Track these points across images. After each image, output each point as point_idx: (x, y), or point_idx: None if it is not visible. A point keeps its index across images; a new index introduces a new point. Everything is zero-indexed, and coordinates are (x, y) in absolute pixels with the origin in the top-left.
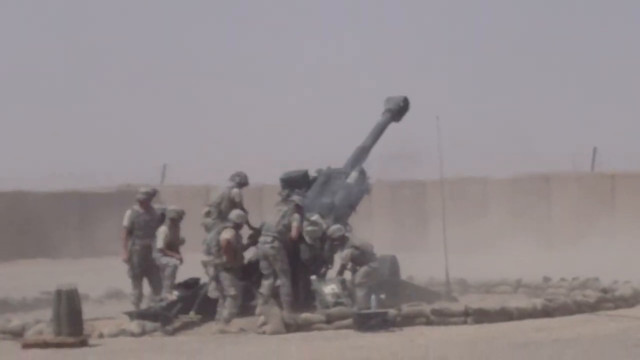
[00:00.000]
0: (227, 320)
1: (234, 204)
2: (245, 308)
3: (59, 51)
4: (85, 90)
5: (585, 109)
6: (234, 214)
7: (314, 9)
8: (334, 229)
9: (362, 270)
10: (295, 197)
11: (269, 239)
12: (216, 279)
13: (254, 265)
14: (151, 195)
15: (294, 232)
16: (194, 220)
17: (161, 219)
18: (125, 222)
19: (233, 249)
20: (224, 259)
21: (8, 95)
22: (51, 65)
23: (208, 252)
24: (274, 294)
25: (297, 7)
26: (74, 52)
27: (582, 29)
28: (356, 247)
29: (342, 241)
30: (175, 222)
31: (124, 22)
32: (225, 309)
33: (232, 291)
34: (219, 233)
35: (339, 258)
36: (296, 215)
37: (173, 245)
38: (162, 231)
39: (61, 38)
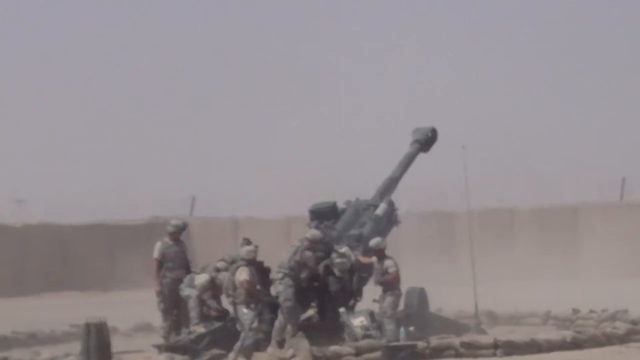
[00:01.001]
0: (240, 352)
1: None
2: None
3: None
4: (114, 123)
5: (613, 138)
6: (244, 250)
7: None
8: (378, 240)
9: (389, 300)
10: (309, 233)
11: (280, 275)
12: (236, 316)
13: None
14: (182, 228)
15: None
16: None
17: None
18: (156, 254)
19: (253, 287)
20: (242, 297)
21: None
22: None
23: (227, 294)
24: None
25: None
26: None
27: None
28: (396, 264)
29: (383, 254)
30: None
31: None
32: (240, 342)
33: (249, 326)
34: (232, 274)
35: (367, 290)
36: (308, 253)
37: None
38: (204, 279)
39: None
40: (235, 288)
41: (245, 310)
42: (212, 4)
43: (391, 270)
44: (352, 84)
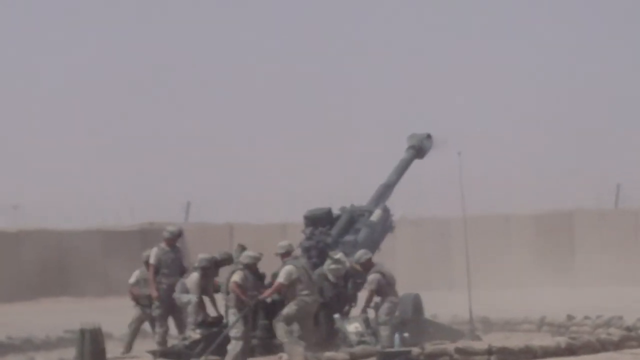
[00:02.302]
0: None
1: None
2: (267, 346)
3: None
4: (107, 127)
5: (608, 145)
6: (244, 255)
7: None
8: (361, 252)
9: (385, 307)
10: (284, 244)
11: None
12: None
13: (277, 304)
14: (177, 235)
15: (266, 292)
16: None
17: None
18: (152, 259)
19: (242, 291)
20: (232, 300)
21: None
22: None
23: (225, 293)
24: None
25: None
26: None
27: (605, 62)
28: (383, 274)
29: (368, 267)
30: (206, 270)
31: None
32: (229, 352)
33: (234, 332)
34: (229, 278)
35: (362, 296)
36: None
37: (206, 293)
38: (194, 279)
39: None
40: (228, 291)
41: (233, 316)
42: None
43: (369, 287)
44: (352, 87)
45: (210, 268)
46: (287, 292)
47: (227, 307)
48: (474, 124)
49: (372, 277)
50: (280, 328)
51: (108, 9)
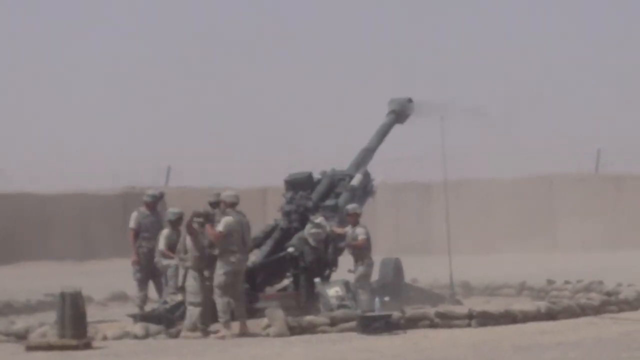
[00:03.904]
0: (190, 329)
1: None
2: (249, 310)
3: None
4: (89, 92)
5: (589, 109)
6: (225, 194)
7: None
8: (352, 206)
9: (360, 270)
10: (229, 193)
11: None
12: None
13: (257, 269)
14: (158, 198)
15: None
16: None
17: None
18: (132, 224)
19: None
20: (190, 261)
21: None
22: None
23: (179, 253)
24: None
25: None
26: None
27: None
28: (367, 233)
29: (355, 220)
30: (176, 225)
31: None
32: (187, 318)
33: (192, 298)
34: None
35: (343, 260)
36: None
37: (175, 248)
38: (164, 234)
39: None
40: (186, 250)
41: (192, 280)
42: None
43: (360, 237)
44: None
45: (177, 222)
46: (220, 244)
47: (185, 270)
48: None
49: (362, 229)
50: (218, 303)
51: None
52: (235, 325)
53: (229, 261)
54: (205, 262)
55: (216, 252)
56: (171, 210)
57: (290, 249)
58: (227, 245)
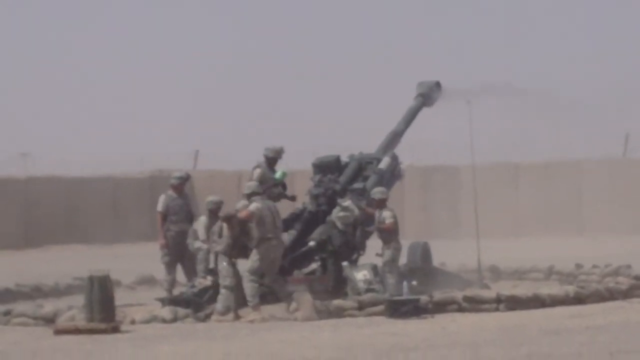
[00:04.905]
0: (222, 313)
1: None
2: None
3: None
4: (117, 76)
5: (617, 94)
6: (247, 185)
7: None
8: (380, 189)
9: (387, 254)
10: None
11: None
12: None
13: (285, 253)
14: (185, 179)
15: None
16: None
17: None
18: (160, 207)
19: (236, 223)
20: (222, 246)
21: (40, 82)
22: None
23: (212, 240)
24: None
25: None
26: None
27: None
28: (395, 216)
29: (382, 205)
30: (214, 213)
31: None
32: (219, 302)
33: (227, 281)
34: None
35: (371, 244)
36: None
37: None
38: (202, 222)
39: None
40: (220, 235)
41: (225, 264)
42: None
43: (388, 221)
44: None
45: (217, 210)
46: (253, 231)
47: (216, 255)
48: (482, 72)
49: (389, 212)
50: (247, 287)
51: None
52: (277, 309)
53: (265, 248)
54: (237, 251)
55: (251, 242)
56: (211, 199)
57: (311, 243)
58: (262, 234)
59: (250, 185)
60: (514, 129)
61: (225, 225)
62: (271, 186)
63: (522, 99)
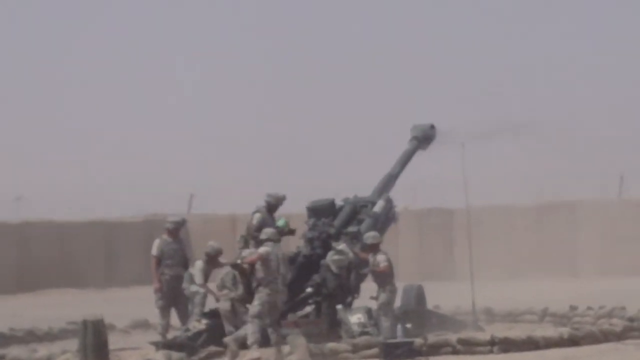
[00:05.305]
0: (252, 344)
1: (250, 228)
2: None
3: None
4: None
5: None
6: (264, 231)
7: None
8: (373, 234)
9: (382, 297)
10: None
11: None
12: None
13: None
14: (181, 225)
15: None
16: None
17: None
18: (155, 251)
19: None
20: (240, 292)
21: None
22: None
23: (222, 287)
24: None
25: None
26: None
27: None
28: (389, 259)
29: (375, 250)
30: (212, 258)
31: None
32: (249, 335)
33: (257, 310)
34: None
35: (365, 287)
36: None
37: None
38: (199, 266)
39: None
40: (234, 282)
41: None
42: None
43: (382, 264)
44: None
45: (215, 256)
46: (258, 272)
47: (231, 300)
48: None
49: (383, 256)
50: (248, 329)
51: None
52: (271, 352)
53: (266, 293)
54: (251, 298)
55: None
56: (212, 244)
57: (309, 290)
58: (265, 275)
59: (267, 231)
60: (509, 170)
61: (238, 275)
62: (286, 234)
63: (517, 140)
